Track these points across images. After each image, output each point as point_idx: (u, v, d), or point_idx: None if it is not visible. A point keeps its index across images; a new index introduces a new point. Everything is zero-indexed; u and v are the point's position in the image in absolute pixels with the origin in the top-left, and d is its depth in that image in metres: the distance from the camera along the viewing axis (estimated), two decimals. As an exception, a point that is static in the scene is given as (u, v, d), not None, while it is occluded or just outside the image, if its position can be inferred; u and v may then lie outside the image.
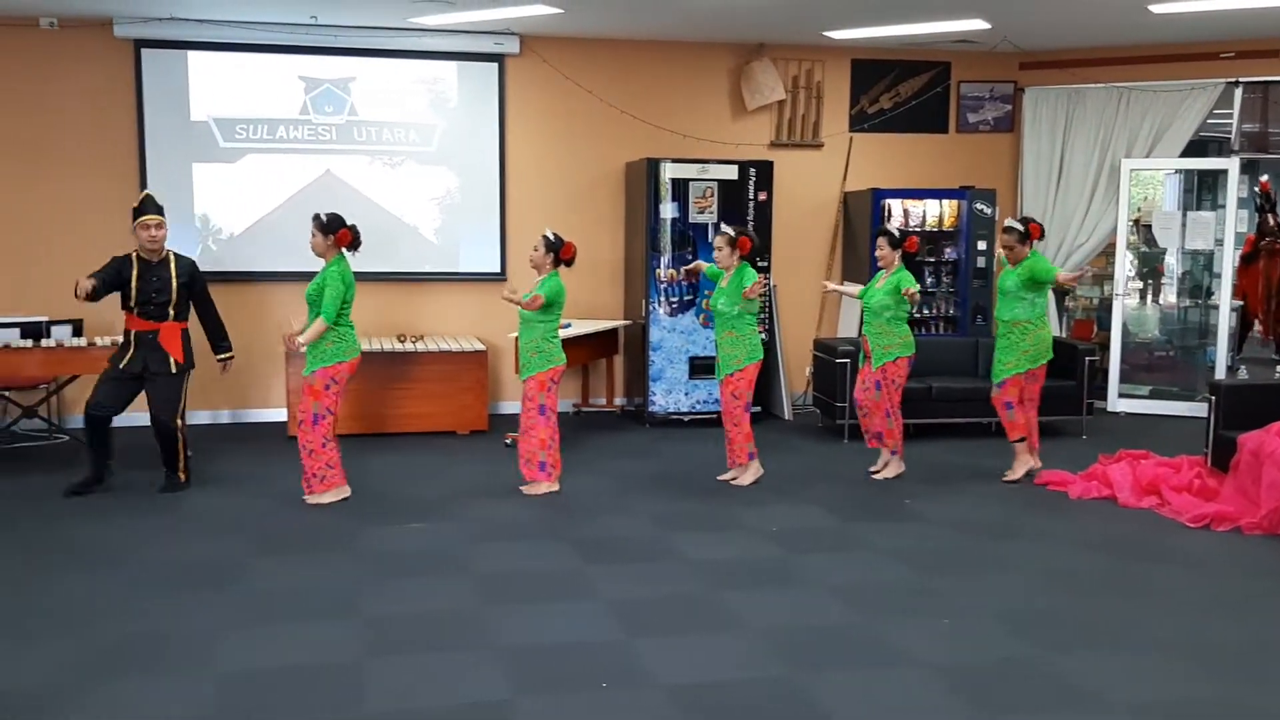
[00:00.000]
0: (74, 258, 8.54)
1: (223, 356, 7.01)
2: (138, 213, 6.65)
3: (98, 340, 7.41)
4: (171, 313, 6.63)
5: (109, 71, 8.50)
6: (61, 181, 8.53)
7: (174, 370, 6.66)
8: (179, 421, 6.72)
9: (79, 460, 7.54)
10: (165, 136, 8.63)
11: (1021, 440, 7.20)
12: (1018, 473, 7.21)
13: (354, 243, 6.45)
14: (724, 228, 7.06)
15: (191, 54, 8.61)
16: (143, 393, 6.71)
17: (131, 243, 6.75)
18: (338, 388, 6.39)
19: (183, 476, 6.83)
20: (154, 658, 4.34)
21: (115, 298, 6.65)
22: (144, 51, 8.52)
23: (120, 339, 6.82)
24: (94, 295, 6.43)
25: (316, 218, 6.42)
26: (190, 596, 5.01)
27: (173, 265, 6.69)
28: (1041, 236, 7.20)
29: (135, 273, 6.57)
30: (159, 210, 6.68)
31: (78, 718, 3.85)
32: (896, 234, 7.08)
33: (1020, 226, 7.07)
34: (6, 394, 7.89)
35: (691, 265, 7.57)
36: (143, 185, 8.61)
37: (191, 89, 8.64)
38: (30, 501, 6.55)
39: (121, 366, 6.60)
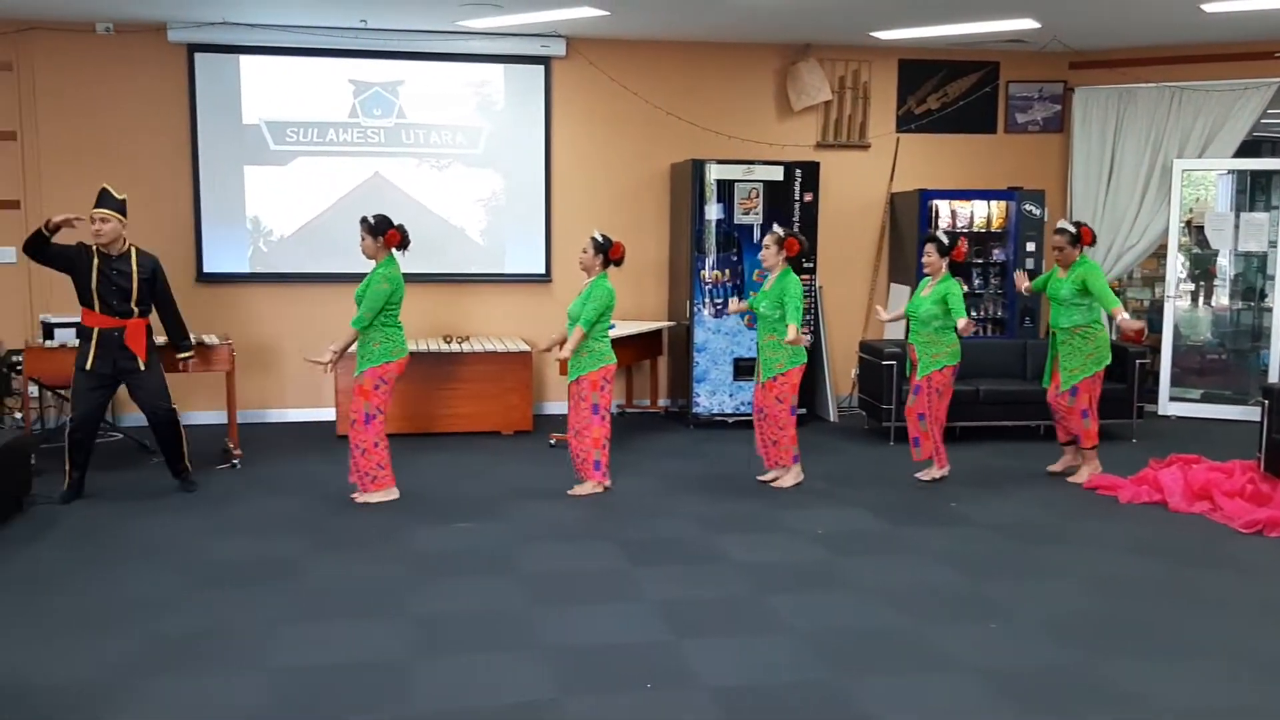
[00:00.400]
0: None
1: (183, 355, 6.97)
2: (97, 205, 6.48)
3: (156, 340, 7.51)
4: (135, 309, 6.48)
5: (163, 76, 8.65)
6: (117, 184, 8.59)
7: (144, 365, 6.54)
8: (174, 406, 6.69)
9: (135, 457, 7.70)
10: (218, 139, 8.76)
11: (1094, 448, 7.17)
12: (1083, 476, 7.20)
13: (403, 242, 6.50)
14: (775, 228, 7.04)
15: (243, 58, 8.74)
16: (115, 394, 6.73)
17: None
18: (386, 387, 6.46)
19: (188, 465, 6.83)
20: (209, 653, 4.42)
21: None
22: (197, 56, 8.65)
23: (76, 341, 6.65)
24: (42, 240, 6.23)
25: (364, 221, 6.47)
26: (244, 593, 5.09)
27: (134, 260, 6.50)
28: (1093, 242, 7.18)
29: (95, 264, 6.39)
30: (113, 205, 6.46)
31: (136, 710, 3.93)
32: (945, 241, 7.02)
33: (1072, 228, 7.03)
34: (62, 393, 8.04)
35: (736, 306, 7.35)
36: (196, 188, 8.77)
37: (243, 92, 8.77)
38: (87, 498, 6.67)
39: (89, 369, 6.40)
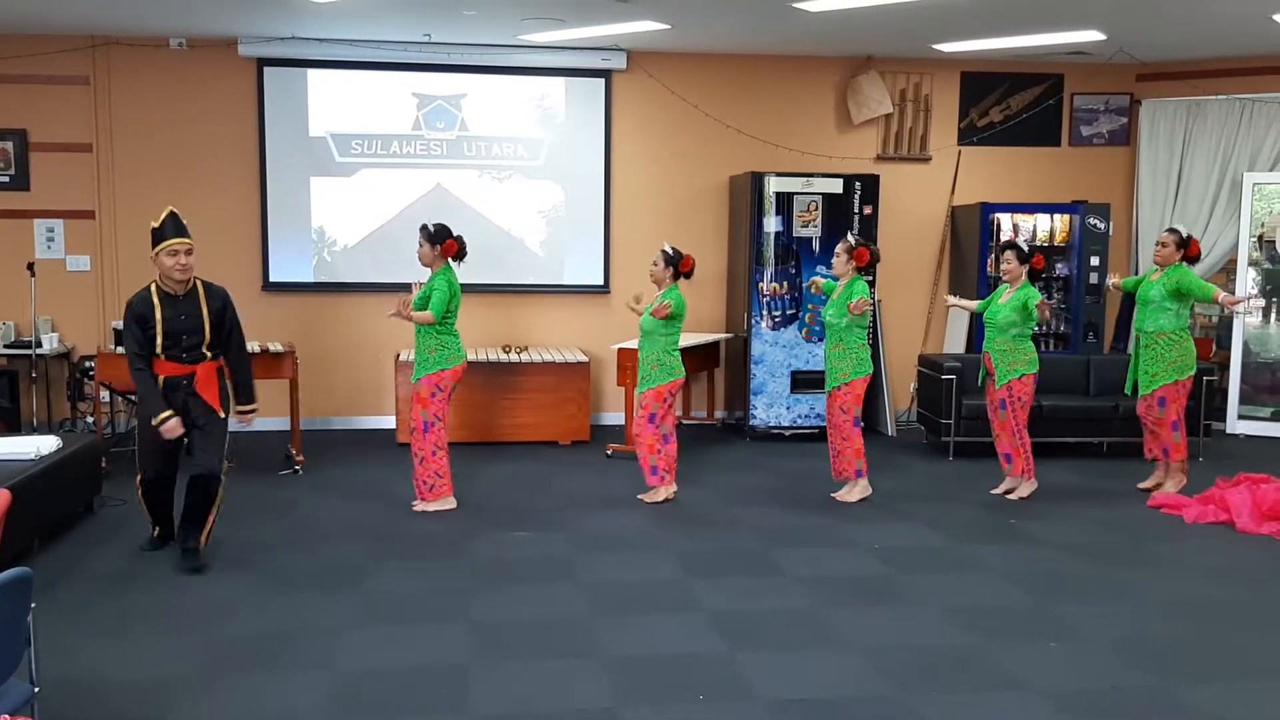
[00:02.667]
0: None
1: (244, 410, 5.84)
2: (158, 235, 5.49)
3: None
4: (207, 354, 5.58)
5: (233, 89, 8.83)
6: (188, 194, 8.84)
7: (220, 415, 5.65)
8: (223, 476, 5.69)
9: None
10: (285, 151, 8.92)
11: (1181, 461, 7.09)
12: (1168, 490, 7.13)
13: (460, 253, 6.56)
14: (848, 236, 7.05)
15: (311, 72, 8.89)
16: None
17: (144, 274, 6.09)
18: (444, 395, 6.51)
19: (204, 542, 5.62)
20: (277, 654, 4.50)
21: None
22: (266, 70, 8.82)
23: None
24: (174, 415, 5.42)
25: (424, 228, 6.55)
26: (311, 598, 5.17)
27: (202, 297, 5.59)
28: (1198, 256, 7.14)
29: (158, 312, 5.45)
30: (186, 232, 5.56)
31: (205, 708, 4.02)
32: (1025, 249, 7.00)
33: (1184, 232, 7.05)
34: (133, 398, 8.20)
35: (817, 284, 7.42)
36: (264, 199, 8.93)
37: (310, 105, 8.92)
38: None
39: (155, 424, 5.42)
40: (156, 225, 5.50)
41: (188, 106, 8.80)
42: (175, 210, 5.57)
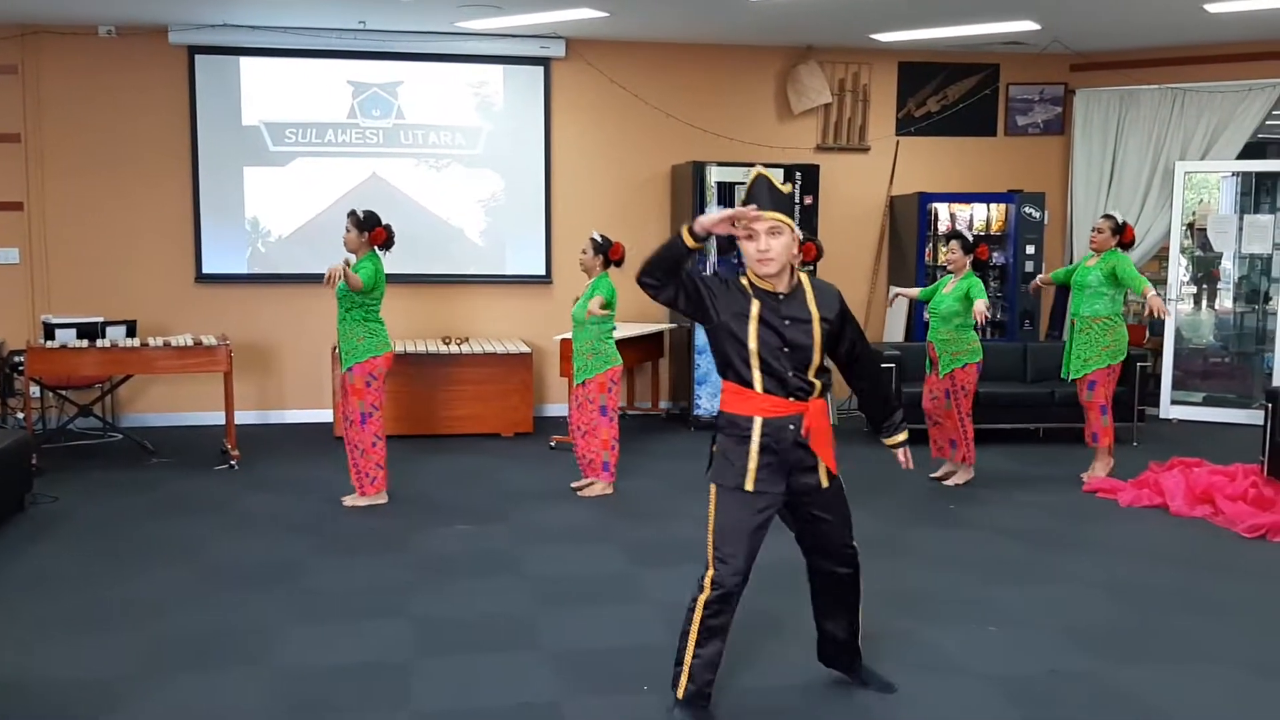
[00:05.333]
0: (129, 260, 8.71)
1: (896, 443, 4.13)
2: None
3: (150, 341, 7.50)
4: (816, 383, 3.68)
5: (164, 77, 8.64)
6: (118, 185, 8.68)
7: (828, 482, 3.76)
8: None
9: (135, 457, 7.67)
10: (217, 140, 8.75)
11: (1109, 446, 7.22)
12: (1097, 473, 7.21)
13: (388, 242, 6.44)
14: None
15: (243, 59, 8.73)
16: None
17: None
18: (378, 383, 6.41)
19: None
20: (214, 652, 4.42)
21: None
22: (197, 58, 8.65)
23: None
24: (680, 255, 3.55)
25: (353, 214, 6.43)
26: (250, 594, 5.08)
27: (810, 297, 3.72)
28: (1134, 243, 7.23)
29: (755, 309, 3.62)
30: (784, 203, 3.66)
31: (137, 709, 3.92)
32: (970, 239, 7.04)
33: (1119, 218, 7.14)
34: (63, 393, 8.03)
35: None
36: (196, 189, 8.76)
37: (243, 94, 8.76)
38: (90, 498, 6.67)
39: (751, 488, 3.63)
40: (750, 188, 3.69)
41: (118, 95, 8.60)
42: (763, 172, 3.71)
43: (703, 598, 3.64)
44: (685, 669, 3.68)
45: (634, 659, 4.37)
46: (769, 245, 3.54)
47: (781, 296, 3.62)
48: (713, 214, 3.47)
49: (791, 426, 3.61)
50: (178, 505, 6.57)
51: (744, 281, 3.66)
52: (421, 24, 8.47)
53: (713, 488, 3.72)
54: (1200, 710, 3.99)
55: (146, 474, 7.33)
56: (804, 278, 3.69)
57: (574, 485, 6.90)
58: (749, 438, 3.61)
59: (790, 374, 3.58)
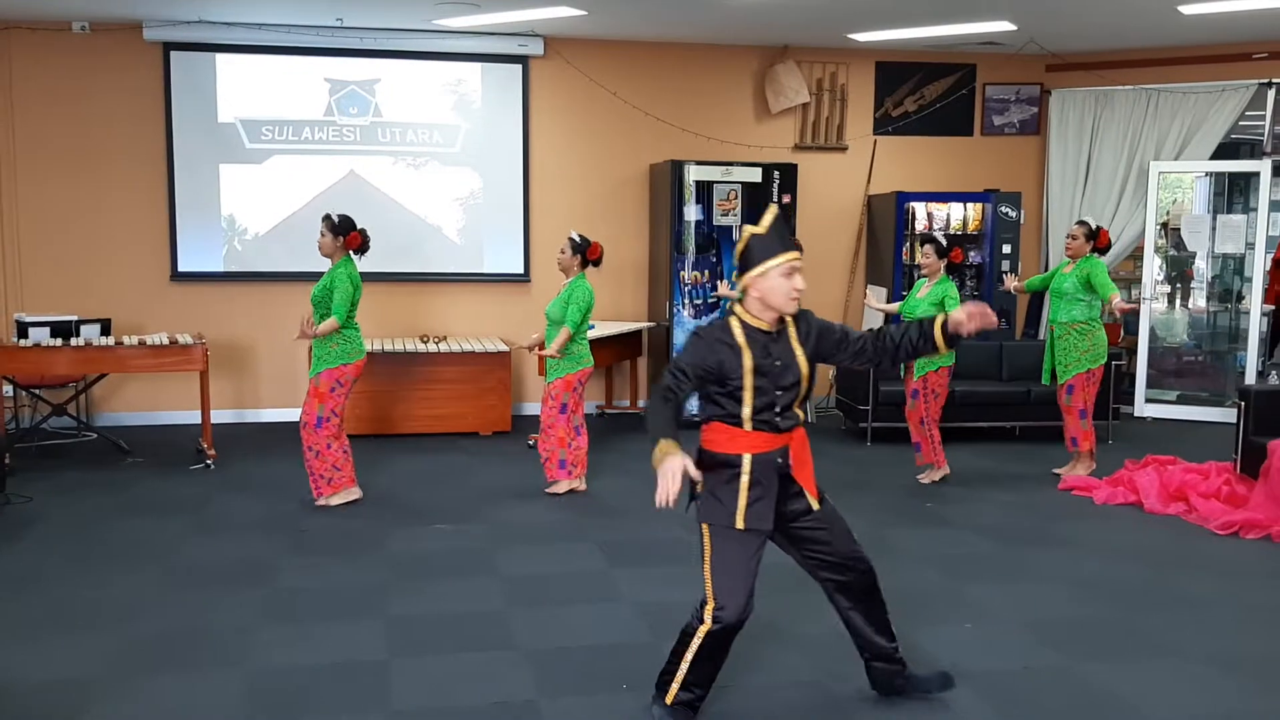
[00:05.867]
0: (103, 258, 8.65)
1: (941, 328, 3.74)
2: (756, 254, 3.57)
3: (125, 339, 7.44)
4: (799, 414, 3.73)
5: (139, 74, 8.58)
6: (92, 182, 8.61)
7: (817, 505, 3.81)
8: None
9: (111, 457, 7.62)
10: (193, 138, 8.69)
11: (1089, 449, 7.26)
12: (1078, 473, 7.25)
13: (363, 246, 6.40)
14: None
15: (219, 56, 8.67)
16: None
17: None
18: (343, 390, 6.37)
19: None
20: (188, 653, 4.39)
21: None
22: (173, 54, 8.59)
23: None
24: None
25: (327, 218, 6.38)
26: (222, 594, 5.04)
27: (791, 334, 3.69)
28: (1107, 247, 7.26)
29: (749, 359, 3.58)
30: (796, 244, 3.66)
31: (113, 710, 3.90)
32: (944, 242, 7.05)
33: (1093, 224, 7.17)
34: (37, 392, 7.96)
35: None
36: (171, 186, 8.70)
37: (219, 91, 8.71)
38: (64, 498, 6.62)
39: (744, 525, 3.64)
40: (762, 231, 3.59)
41: (92, 92, 8.53)
42: (776, 210, 3.71)
43: (704, 629, 3.62)
44: (677, 683, 3.67)
45: (611, 658, 4.37)
46: (802, 284, 3.55)
47: (773, 334, 3.60)
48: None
49: (780, 460, 3.63)
50: (153, 505, 6.52)
51: (732, 324, 3.60)
52: (399, 21, 8.44)
53: (705, 527, 3.69)
54: (1170, 705, 4.02)
55: (121, 474, 7.28)
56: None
57: (546, 488, 6.88)
58: (738, 476, 3.60)
59: (780, 414, 3.59)
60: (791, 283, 3.53)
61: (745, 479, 3.60)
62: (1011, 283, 7.70)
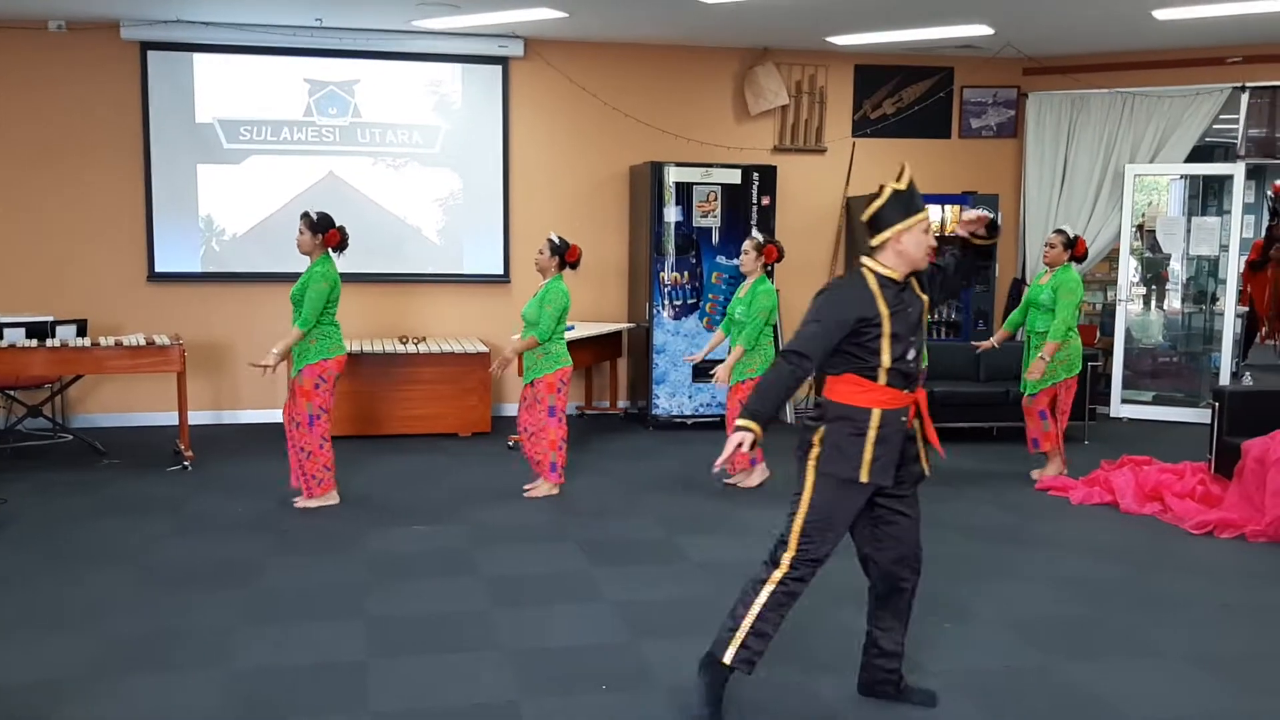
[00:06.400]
0: (79, 258, 8.59)
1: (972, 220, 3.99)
2: (896, 210, 3.67)
3: (101, 340, 7.39)
4: (924, 368, 3.83)
5: (116, 74, 8.52)
6: (68, 182, 8.55)
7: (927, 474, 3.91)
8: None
9: (87, 458, 7.56)
10: (170, 138, 8.64)
11: (1051, 449, 7.28)
12: (1050, 473, 7.28)
13: (342, 244, 6.36)
14: (755, 233, 7.08)
15: (197, 56, 8.63)
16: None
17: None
18: (327, 386, 6.34)
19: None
20: (166, 654, 4.37)
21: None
22: (150, 54, 8.54)
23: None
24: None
25: (306, 216, 6.34)
26: (201, 595, 5.02)
27: (914, 282, 3.78)
28: (1085, 256, 7.29)
29: (884, 307, 3.62)
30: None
31: (93, 712, 3.87)
32: None
33: (1071, 233, 7.19)
34: (12, 393, 7.90)
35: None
36: (149, 186, 8.65)
37: (197, 91, 8.66)
38: (40, 499, 6.57)
39: (862, 479, 3.64)
40: (899, 190, 3.69)
41: (68, 92, 8.47)
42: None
43: (779, 574, 3.69)
44: (740, 636, 3.69)
45: (591, 658, 4.37)
46: (934, 240, 3.73)
47: (902, 284, 3.69)
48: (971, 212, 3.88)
49: (903, 418, 3.68)
50: (130, 506, 6.48)
51: (866, 276, 3.69)
52: (379, 22, 8.42)
53: (811, 475, 3.71)
54: (1151, 704, 4.05)
55: (97, 475, 7.23)
56: None
57: (525, 488, 6.87)
58: (866, 430, 3.63)
59: (912, 363, 3.67)
60: (928, 238, 3.68)
61: (873, 434, 3.63)
62: (987, 345, 7.57)
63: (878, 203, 3.68)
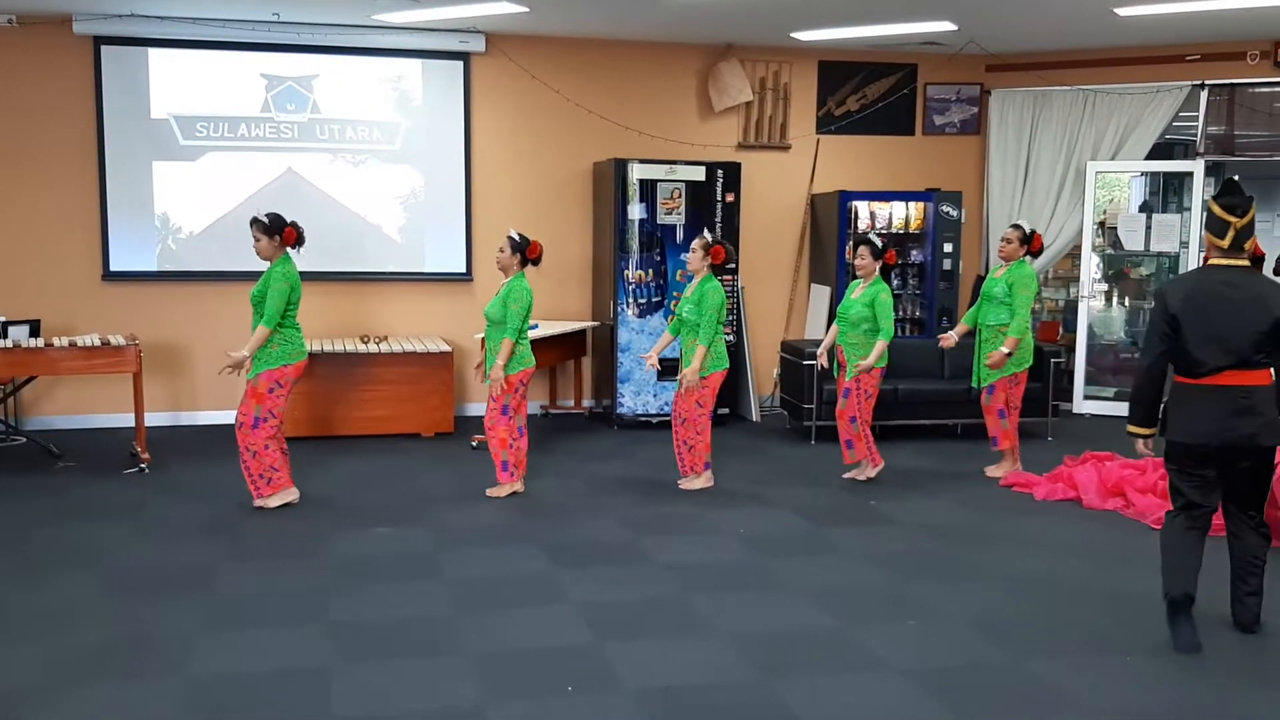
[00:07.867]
0: (32, 258, 8.43)
1: None
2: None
3: (55, 341, 7.24)
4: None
5: (68, 69, 8.36)
6: (20, 180, 8.38)
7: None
8: None
9: (41, 461, 7.42)
10: (125, 134, 8.50)
11: (1010, 448, 7.29)
12: (999, 471, 7.33)
13: (299, 240, 6.27)
14: (704, 233, 7.02)
15: (152, 51, 8.48)
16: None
17: None
18: (283, 391, 6.24)
19: None
20: (126, 661, 4.28)
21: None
22: (103, 49, 8.38)
23: None
24: None
25: (256, 221, 6.21)
26: (160, 601, 4.92)
27: None
28: (1040, 251, 7.30)
29: None
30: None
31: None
32: (879, 244, 7.04)
33: (1027, 228, 7.20)
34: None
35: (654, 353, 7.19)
36: (103, 184, 8.51)
37: (152, 86, 8.52)
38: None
39: (1191, 444, 4.33)
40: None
41: (18, 87, 8.31)
42: None
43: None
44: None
45: (557, 660, 4.32)
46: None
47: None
48: None
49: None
50: (85, 510, 6.36)
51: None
52: (337, 16, 8.32)
53: None
54: (1115, 698, 4.06)
55: (52, 478, 7.10)
56: None
57: (489, 490, 6.80)
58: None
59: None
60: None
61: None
62: (947, 338, 7.45)
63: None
